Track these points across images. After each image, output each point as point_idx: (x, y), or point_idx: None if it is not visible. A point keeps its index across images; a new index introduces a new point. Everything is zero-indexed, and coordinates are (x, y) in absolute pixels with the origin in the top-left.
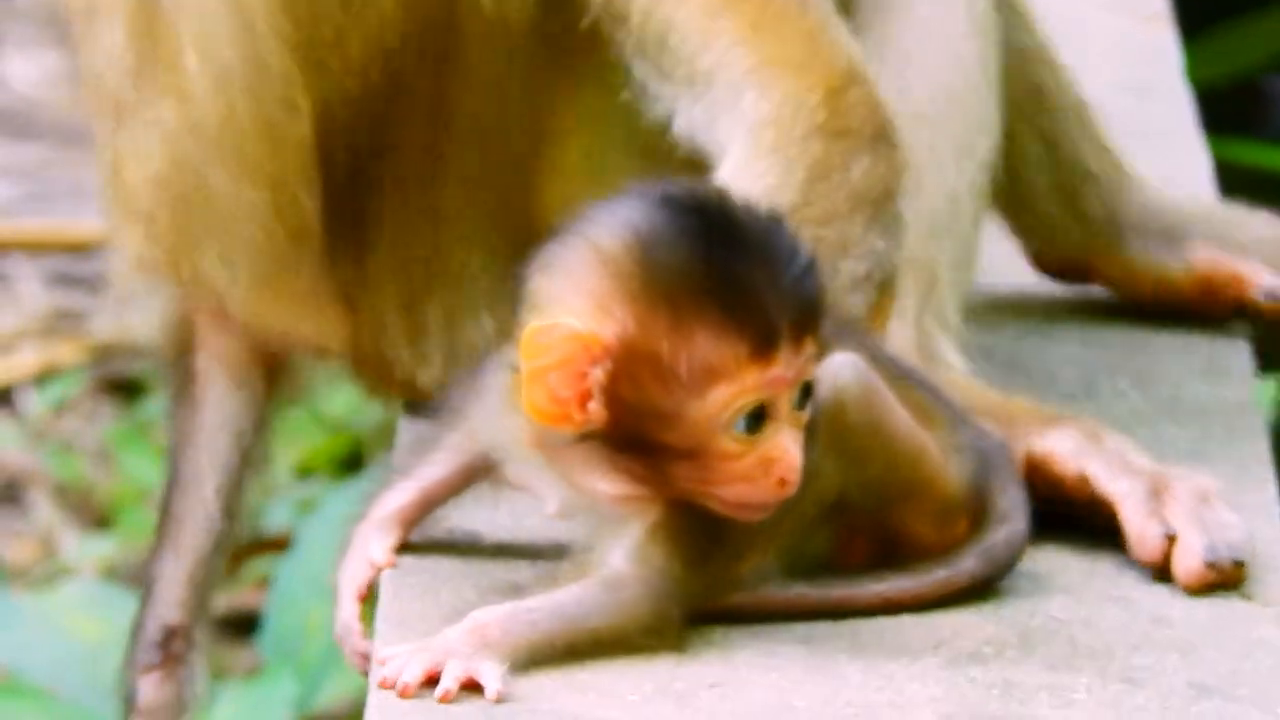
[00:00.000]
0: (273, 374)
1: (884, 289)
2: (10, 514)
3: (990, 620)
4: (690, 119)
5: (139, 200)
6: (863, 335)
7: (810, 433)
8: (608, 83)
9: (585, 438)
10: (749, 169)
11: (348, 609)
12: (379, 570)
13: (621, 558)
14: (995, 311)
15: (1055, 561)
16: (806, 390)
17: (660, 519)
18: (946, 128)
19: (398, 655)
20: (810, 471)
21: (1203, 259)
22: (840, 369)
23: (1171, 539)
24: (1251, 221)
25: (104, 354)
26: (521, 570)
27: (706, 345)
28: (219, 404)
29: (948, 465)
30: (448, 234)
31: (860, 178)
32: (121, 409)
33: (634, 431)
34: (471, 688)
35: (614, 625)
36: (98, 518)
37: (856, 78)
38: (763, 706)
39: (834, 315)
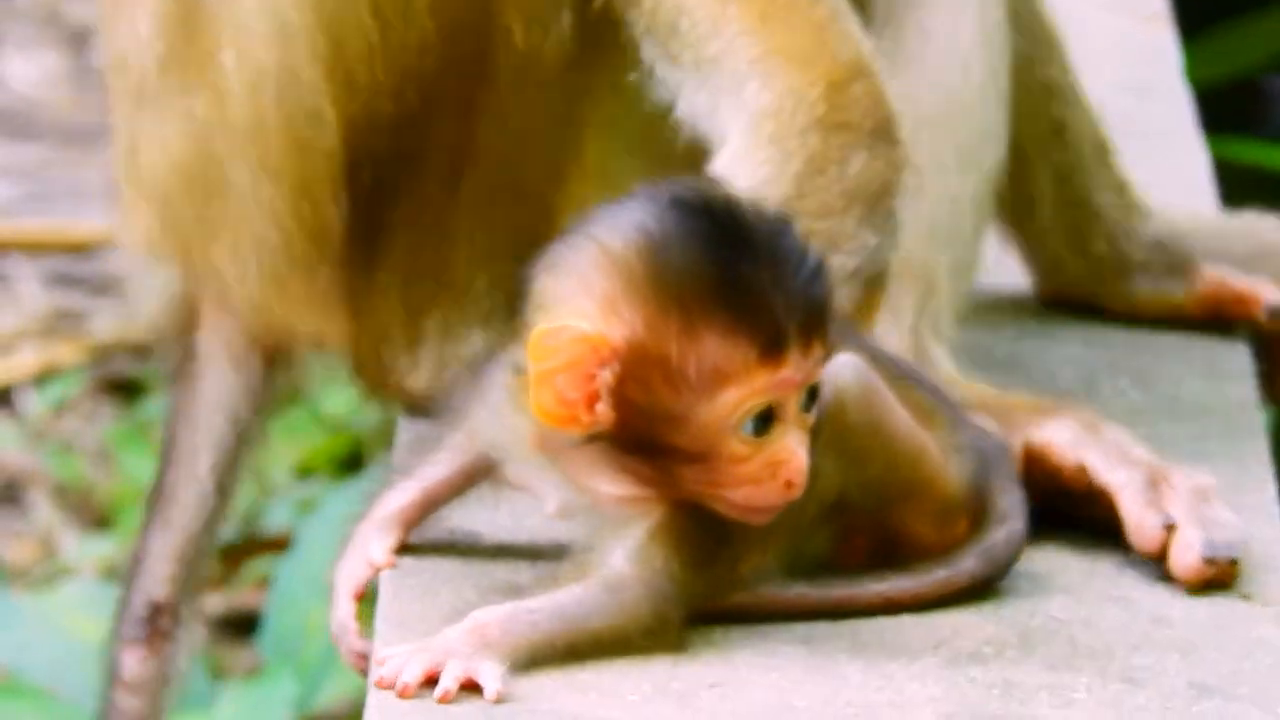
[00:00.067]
0: (273, 359)
1: (873, 285)
2: (10, 514)
3: (990, 620)
4: (693, 105)
5: (155, 184)
6: (862, 335)
7: (812, 433)
8: (632, 125)
9: (591, 439)
10: (746, 159)
11: (344, 608)
12: (377, 570)
13: (622, 558)
14: (995, 311)
15: (1055, 561)
16: (813, 393)
17: (662, 520)
18: (951, 135)
19: (397, 655)
20: (811, 472)
21: (1207, 283)
22: (840, 369)
23: (1170, 529)
24: (1256, 229)
25: (104, 354)
26: (522, 571)
27: (716, 348)
28: (217, 384)
29: (948, 465)
30: (457, 253)
31: (856, 173)
32: (121, 409)
33: (641, 433)
34: (471, 688)
35: (614, 626)
36: (97, 518)
37: (861, 72)
38: (763, 706)
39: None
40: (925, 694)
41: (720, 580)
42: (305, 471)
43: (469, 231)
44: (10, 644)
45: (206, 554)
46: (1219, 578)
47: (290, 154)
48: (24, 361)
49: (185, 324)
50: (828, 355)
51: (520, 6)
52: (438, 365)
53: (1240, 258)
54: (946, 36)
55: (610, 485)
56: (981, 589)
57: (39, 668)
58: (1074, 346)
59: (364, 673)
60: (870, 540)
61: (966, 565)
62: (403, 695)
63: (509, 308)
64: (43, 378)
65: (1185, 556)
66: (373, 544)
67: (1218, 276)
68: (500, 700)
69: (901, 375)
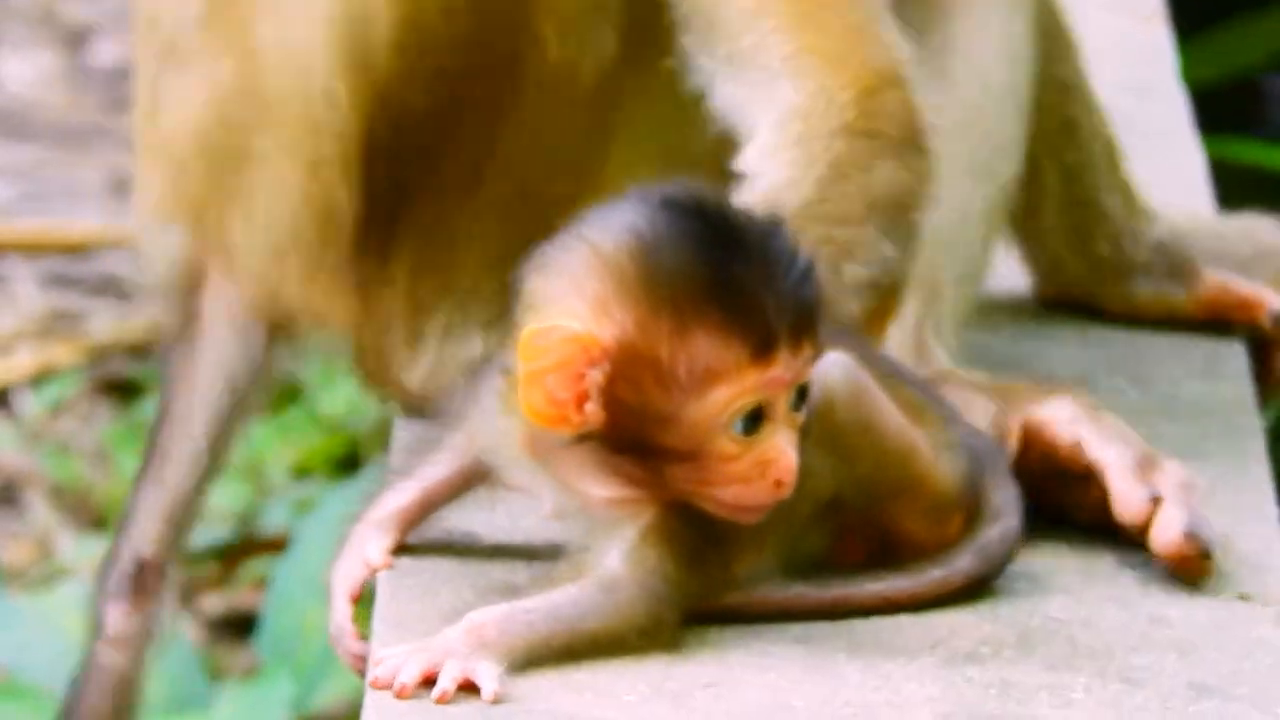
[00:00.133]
0: (275, 331)
1: (886, 296)
2: (7, 515)
3: (988, 620)
4: (725, 96)
5: (173, 145)
6: (852, 334)
7: (802, 432)
8: (659, 142)
9: (581, 439)
10: (771, 159)
11: (341, 610)
12: (374, 572)
13: (616, 559)
14: (994, 311)
15: (1053, 561)
16: (802, 392)
17: (655, 520)
18: (966, 146)
19: (394, 656)
20: (803, 471)
21: (1210, 286)
22: (829, 368)
23: (1156, 502)
24: (1256, 231)
25: (101, 355)
26: (519, 571)
27: (706, 347)
28: (218, 347)
29: (940, 462)
30: (468, 255)
31: (880, 182)
32: (118, 410)
33: (631, 433)
34: (468, 688)
35: (610, 626)
36: (95, 518)
37: (894, 80)
38: (759, 706)
39: (826, 316)
40: (923, 694)
41: (714, 580)
42: (302, 472)
43: (483, 235)
44: (7, 644)
45: (195, 514)
46: (1195, 564)
47: (306, 133)
48: (21, 362)
49: (189, 286)
50: (817, 355)
51: (558, 18)
52: (436, 365)
53: (1241, 260)
54: (969, 48)
55: (601, 486)
56: (977, 587)
57: (36, 668)
58: (1072, 347)
59: (363, 674)
60: (866, 540)
61: (962, 564)
62: (400, 696)
63: (507, 310)
64: (39, 378)
65: (1167, 531)
66: (369, 545)
67: (1221, 281)
68: (497, 700)
69: (891, 373)
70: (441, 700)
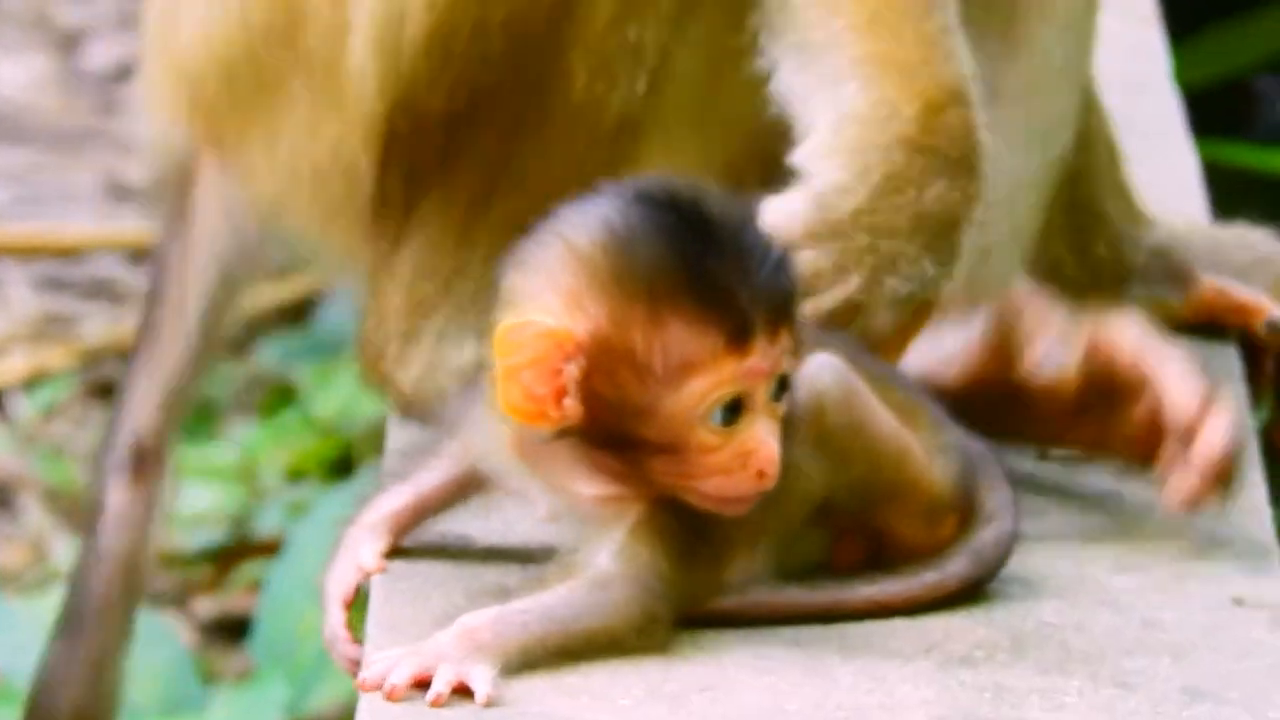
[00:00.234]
0: (270, 226)
1: (920, 314)
2: (0, 518)
3: (981, 623)
4: (788, 84)
5: (191, 61)
6: (842, 337)
7: (790, 433)
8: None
9: (562, 435)
10: (826, 160)
11: (335, 615)
12: (367, 575)
13: (607, 557)
14: None
15: (1047, 565)
16: (783, 383)
17: (644, 517)
18: (1025, 115)
19: (385, 658)
20: (793, 472)
21: (1205, 291)
22: (819, 371)
23: (1208, 405)
24: (1252, 239)
25: (94, 358)
26: (512, 575)
27: (681, 337)
28: (211, 236)
29: (932, 465)
30: (472, 264)
31: (932, 200)
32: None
33: (611, 427)
34: (462, 692)
35: (604, 625)
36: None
37: (959, 98)
38: (754, 709)
39: (814, 320)
40: (917, 697)
41: (707, 577)
42: (296, 475)
43: (490, 242)
44: (1, 647)
45: (189, 398)
46: (1224, 477)
47: (336, 94)
48: (13, 366)
49: (186, 178)
50: (796, 344)
51: (591, 56)
52: (428, 367)
53: (1237, 267)
54: (1034, 21)
55: (588, 484)
56: (971, 590)
57: (30, 672)
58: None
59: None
60: (860, 543)
61: (955, 567)
62: (389, 697)
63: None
64: (32, 382)
65: (1215, 433)
66: (362, 549)
67: (1218, 286)
68: (491, 704)
69: (882, 376)
70: (435, 704)
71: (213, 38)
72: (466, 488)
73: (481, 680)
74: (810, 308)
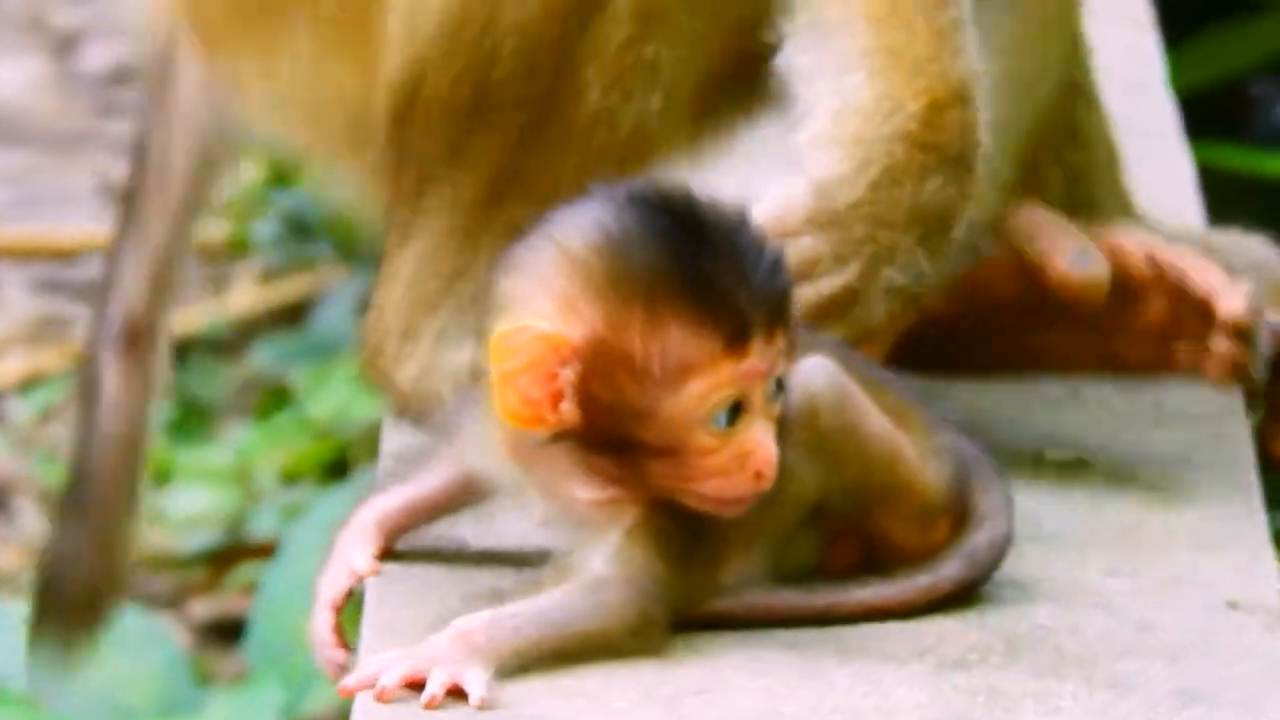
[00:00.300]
0: (259, 132)
1: (909, 306)
2: None
3: (975, 627)
4: (794, 62)
5: None
6: (834, 340)
7: (784, 435)
8: None
9: (558, 439)
10: (827, 150)
11: (323, 617)
12: (359, 578)
13: (602, 560)
14: None
15: (1041, 568)
16: (779, 384)
17: (639, 520)
18: (1014, 64)
19: (379, 661)
20: (786, 475)
21: None
22: (813, 374)
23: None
24: (1247, 245)
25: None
26: (507, 578)
27: (680, 340)
28: (194, 108)
29: (925, 468)
30: (475, 265)
31: (929, 196)
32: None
33: (609, 430)
34: (456, 694)
35: (599, 627)
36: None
37: (962, 97)
38: (750, 712)
39: (811, 310)
40: (911, 700)
41: (702, 580)
42: (292, 477)
43: (492, 250)
44: None
45: (178, 272)
46: (1247, 345)
47: (350, 47)
48: (9, 368)
49: (170, 63)
50: (791, 345)
51: (606, 70)
52: (426, 366)
53: (1231, 272)
54: None
55: (583, 487)
56: (966, 593)
57: (24, 674)
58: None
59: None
60: (854, 547)
61: (950, 570)
62: (380, 699)
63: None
64: (28, 384)
65: (1234, 299)
66: (354, 552)
67: None
68: (485, 706)
69: (874, 379)
70: (429, 706)
71: None
72: (462, 494)
73: (476, 683)
74: (809, 293)
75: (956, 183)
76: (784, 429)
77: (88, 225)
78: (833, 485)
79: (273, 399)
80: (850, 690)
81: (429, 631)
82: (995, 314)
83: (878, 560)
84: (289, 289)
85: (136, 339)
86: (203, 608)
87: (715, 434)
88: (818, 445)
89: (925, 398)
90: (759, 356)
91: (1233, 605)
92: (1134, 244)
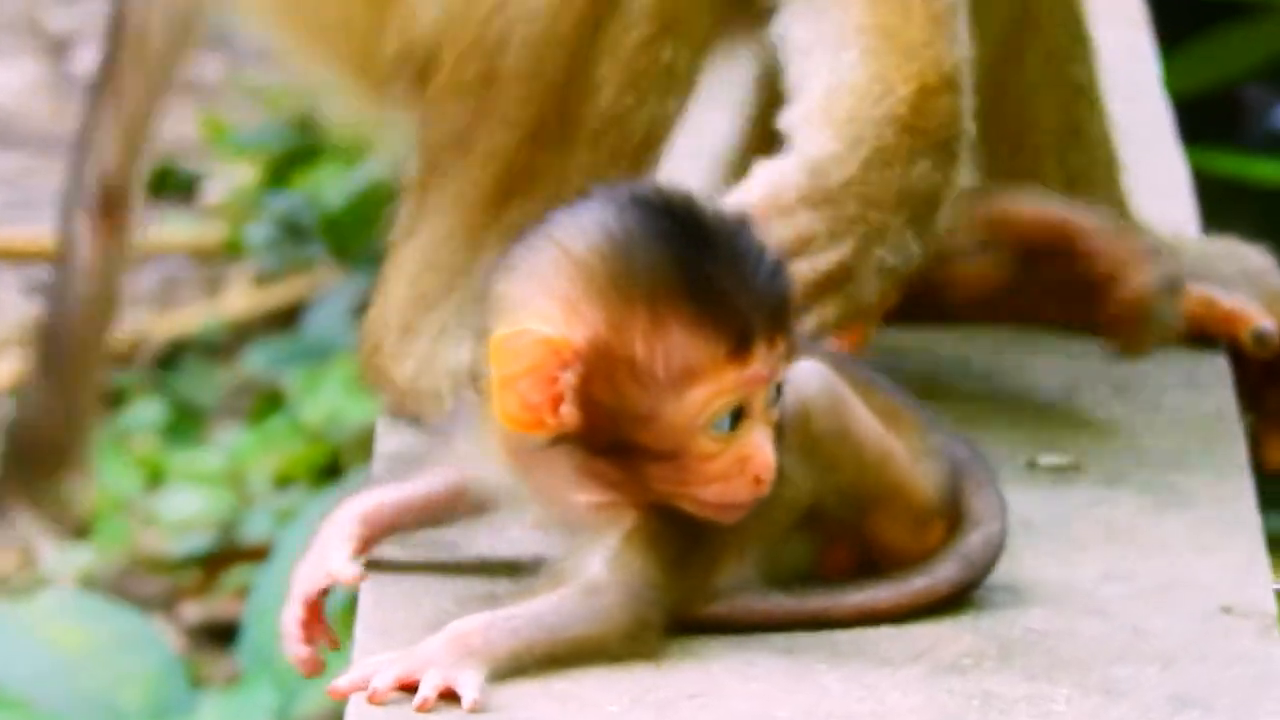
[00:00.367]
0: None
1: (899, 285)
2: None
3: (969, 631)
4: (789, 34)
5: None
6: (825, 344)
7: (778, 439)
8: None
9: (558, 442)
10: (819, 130)
11: (294, 610)
12: (333, 580)
13: (598, 565)
14: (975, 321)
15: (1035, 573)
16: (778, 389)
17: (636, 525)
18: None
19: (373, 663)
20: (780, 479)
21: (1193, 301)
22: (805, 377)
23: (1127, 249)
24: (1240, 252)
25: None
26: (502, 581)
27: (684, 345)
28: None
29: (918, 470)
30: (477, 262)
31: (917, 178)
32: (101, 418)
33: (609, 434)
34: (450, 697)
35: (594, 631)
36: (76, 527)
37: (952, 84)
38: (743, 716)
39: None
40: (905, 704)
41: (697, 585)
42: (284, 481)
43: (495, 248)
44: None
45: (151, 136)
46: (1146, 319)
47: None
48: (4, 370)
49: None
50: (791, 351)
51: (620, 71)
52: (425, 363)
53: (1225, 279)
54: None
55: (581, 491)
56: (962, 594)
57: (18, 678)
58: (1054, 357)
59: (310, 676)
60: (849, 552)
61: (945, 572)
62: (372, 701)
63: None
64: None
65: (1141, 274)
66: (334, 551)
67: (1207, 295)
68: (477, 709)
69: (866, 381)
70: (422, 709)
71: None
72: (454, 503)
73: (469, 685)
74: (804, 270)
75: (942, 168)
76: (777, 432)
77: None
78: (826, 488)
79: (266, 402)
80: (844, 695)
81: (423, 634)
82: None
83: (872, 564)
84: (283, 292)
85: (111, 204)
86: (195, 610)
87: (717, 439)
88: (811, 449)
89: (917, 401)
90: (761, 363)
91: (1226, 610)
92: (1026, 208)
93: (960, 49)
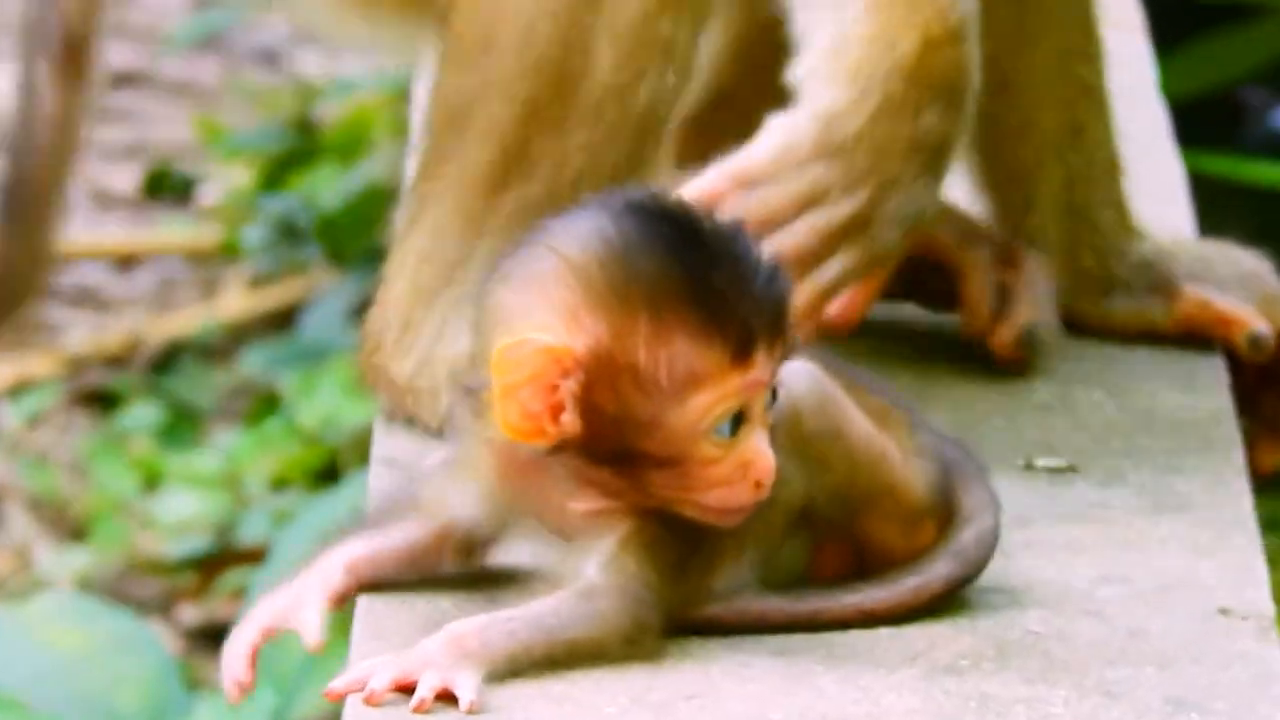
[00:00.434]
0: None
1: (913, 234)
2: None
3: (966, 633)
4: None
5: None
6: (815, 343)
7: (771, 440)
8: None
9: (558, 450)
10: (827, 84)
11: (249, 635)
12: (298, 633)
13: (596, 569)
14: None
15: (1031, 575)
16: (774, 392)
17: (632, 529)
18: None
19: (369, 663)
20: (776, 479)
21: (1190, 302)
22: (796, 378)
23: (1001, 309)
24: (1237, 256)
25: (78, 366)
26: (500, 583)
27: (687, 351)
28: None
29: (909, 468)
30: (477, 251)
31: (924, 128)
32: (96, 421)
33: (610, 442)
34: (447, 698)
35: (591, 634)
36: (73, 530)
37: (957, 36)
38: (740, 718)
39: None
40: (902, 706)
41: (693, 588)
42: (281, 483)
43: (496, 234)
44: None
45: None
46: (1031, 353)
47: None
48: None
49: None
50: (788, 354)
51: (618, 45)
52: (423, 360)
53: (1221, 281)
54: None
55: (578, 498)
56: (957, 591)
57: (15, 680)
58: (1050, 360)
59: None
60: (842, 554)
61: (939, 569)
62: (368, 703)
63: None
64: (17, 390)
65: (1005, 334)
66: (309, 607)
67: (1202, 297)
68: (474, 711)
69: (855, 381)
70: (418, 710)
71: None
72: (439, 551)
73: (466, 687)
74: (819, 221)
75: (949, 119)
76: (771, 434)
77: (76, 231)
78: (818, 488)
79: (263, 404)
80: (840, 696)
81: (419, 635)
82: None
83: (865, 565)
84: (279, 294)
85: (72, 50)
86: (192, 613)
87: (718, 444)
88: (802, 448)
89: (910, 401)
90: (762, 368)
91: (1223, 612)
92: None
93: (963, 5)
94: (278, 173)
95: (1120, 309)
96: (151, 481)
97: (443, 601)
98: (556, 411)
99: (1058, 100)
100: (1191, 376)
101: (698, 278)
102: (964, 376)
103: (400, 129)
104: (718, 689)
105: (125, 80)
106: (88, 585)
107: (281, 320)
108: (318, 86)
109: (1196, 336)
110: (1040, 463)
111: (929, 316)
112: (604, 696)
